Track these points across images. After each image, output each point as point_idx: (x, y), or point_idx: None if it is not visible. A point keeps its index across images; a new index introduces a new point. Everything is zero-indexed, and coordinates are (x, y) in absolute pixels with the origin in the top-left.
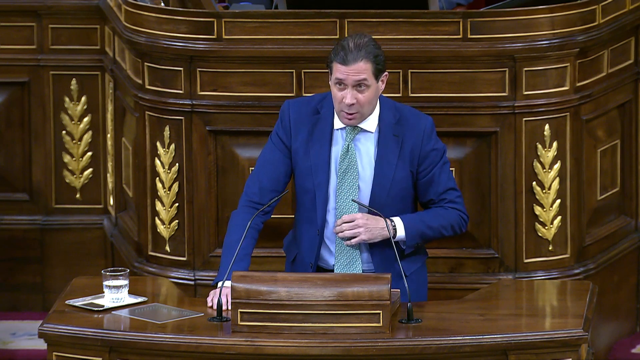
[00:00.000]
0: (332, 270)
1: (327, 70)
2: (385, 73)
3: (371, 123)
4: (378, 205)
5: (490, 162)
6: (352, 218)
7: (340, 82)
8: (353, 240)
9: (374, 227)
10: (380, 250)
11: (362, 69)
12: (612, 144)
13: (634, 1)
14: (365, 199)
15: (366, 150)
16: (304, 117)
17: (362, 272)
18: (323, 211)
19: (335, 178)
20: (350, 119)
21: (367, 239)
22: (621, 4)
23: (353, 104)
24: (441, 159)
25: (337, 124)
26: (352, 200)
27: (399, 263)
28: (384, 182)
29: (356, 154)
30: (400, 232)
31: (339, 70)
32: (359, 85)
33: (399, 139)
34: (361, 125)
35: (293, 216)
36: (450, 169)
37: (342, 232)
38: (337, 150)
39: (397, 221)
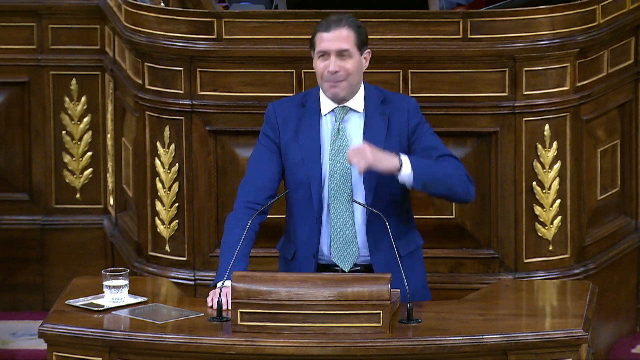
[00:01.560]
0: (330, 260)
1: None
2: (368, 50)
3: (358, 102)
4: (369, 185)
5: (490, 162)
6: (358, 149)
7: (323, 54)
8: (361, 164)
9: (379, 155)
10: (376, 235)
11: (344, 35)
12: (612, 144)
13: (634, 1)
14: (357, 179)
15: (355, 131)
16: (289, 112)
17: (358, 258)
18: (319, 200)
19: (328, 162)
20: (334, 87)
21: (372, 159)
22: (621, 4)
23: (337, 71)
24: (429, 130)
25: (325, 109)
26: (352, 200)
27: (403, 240)
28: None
29: (347, 135)
30: (407, 169)
31: (321, 40)
32: (341, 54)
33: (385, 117)
34: (349, 105)
35: None
36: None
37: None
38: (327, 136)
39: (404, 156)
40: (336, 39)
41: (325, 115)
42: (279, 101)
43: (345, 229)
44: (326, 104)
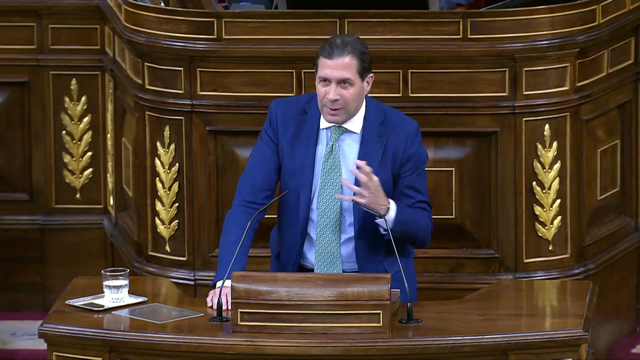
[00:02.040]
0: (313, 269)
1: None
2: (371, 74)
3: (356, 124)
4: (359, 206)
5: (490, 162)
6: (371, 180)
7: (324, 79)
8: (354, 198)
9: (377, 198)
10: (365, 249)
11: (347, 64)
12: (612, 144)
13: (634, 1)
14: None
15: (350, 151)
16: (291, 116)
17: (343, 271)
18: (306, 211)
19: (318, 179)
20: (333, 115)
21: (365, 202)
22: (621, 4)
23: (337, 100)
24: (419, 168)
25: (323, 123)
26: (352, 200)
27: (392, 258)
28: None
29: (339, 154)
30: (391, 214)
31: (324, 66)
32: (343, 82)
33: (382, 140)
34: (346, 126)
35: None
36: (450, 169)
37: (361, 182)
38: (322, 150)
39: (392, 204)
40: (338, 67)
41: (322, 129)
42: (282, 100)
43: (330, 247)
44: (325, 120)
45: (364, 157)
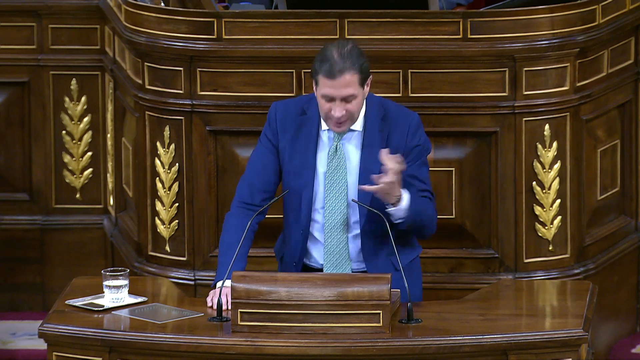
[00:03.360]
0: (321, 269)
1: None
2: (370, 77)
3: (358, 122)
4: (365, 201)
5: (490, 162)
6: (400, 166)
7: (327, 97)
8: (373, 187)
9: (393, 189)
10: (371, 245)
11: (348, 81)
12: (612, 144)
13: (634, 1)
14: (353, 194)
15: (353, 149)
16: (290, 117)
17: (352, 271)
18: (308, 210)
19: (323, 178)
20: (339, 127)
21: (382, 192)
22: (621, 4)
23: (342, 115)
24: (422, 156)
25: (324, 124)
26: (352, 200)
27: (397, 255)
28: (369, 179)
29: (344, 154)
30: (404, 204)
31: (325, 85)
32: (346, 99)
33: (384, 134)
34: None
35: None
36: (450, 169)
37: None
38: (323, 150)
39: (404, 194)
40: (341, 86)
41: (324, 130)
42: (282, 102)
43: (338, 245)
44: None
45: (367, 154)
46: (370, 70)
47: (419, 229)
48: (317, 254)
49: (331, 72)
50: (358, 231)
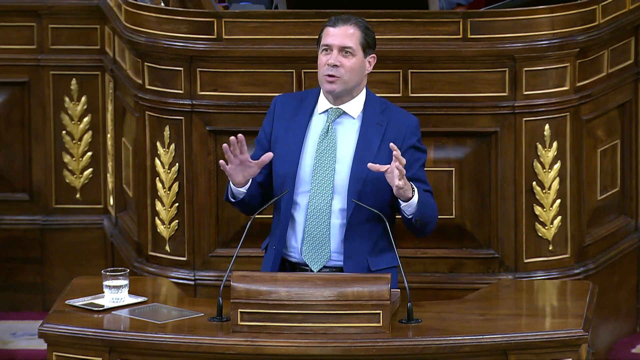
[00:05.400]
0: (299, 264)
1: None
2: (373, 55)
3: (355, 108)
4: (354, 192)
5: (490, 162)
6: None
7: (327, 48)
8: (400, 182)
9: (408, 185)
10: (353, 238)
11: (350, 33)
12: (612, 144)
13: (634, 1)
14: (342, 182)
15: (346, 135)
16: (288, 106)
17: (329, 261)
18: (289, 194)
19: (312, 161)
20: (330, 82)
21: (401, 185)
22: (621, 4)
23: (336, 66)
24: (420, 159)
25: (321, 107)
26: (352, 200)
27: (376, 257)
28: (362, 168)
29: (336, 136)
30: (415, 198)
31: (327, 34)
32: (344, 50)
33: (382, 128)
34: (343, 107)
35: None
36: (450, 169)
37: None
38: (315, 133)
39: (415, 189)
40: (341, 35)
41: (319, 114)
42: (284, 95)
43: (319, 229)
44: (322, 104)
45: (363, 143)
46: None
47: (424, 224)
48: (297, 239)
49: (335, 21)
50: (344, 221)
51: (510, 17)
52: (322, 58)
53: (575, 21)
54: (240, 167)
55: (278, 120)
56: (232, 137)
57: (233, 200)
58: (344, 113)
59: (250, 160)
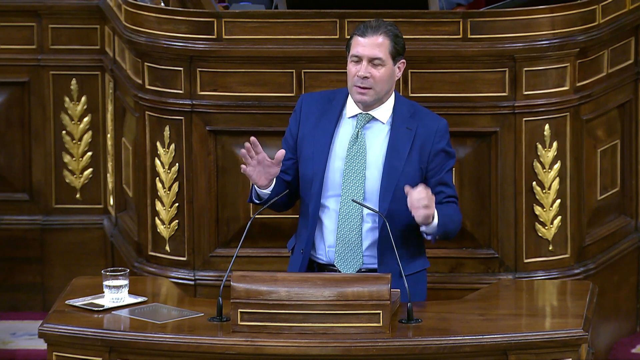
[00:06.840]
0: (327, 265)
1: (327, 70)
2: (403, 60)
3: (384, 113)
4: (386, 197)
5: (490, 162)
6: (426, 193)
7: (356, 58)
8: (427, 211)
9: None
10: (385, 242)
11: (379, 43)
12: (612, 144)
13: (634, 1)
14: (373, 188)
15: (376, 140)
16: (315, 105)
17: (362, 266)
18: (318, 196)
19: (342, 165)
20: (362, 93)
21: (429, 213)
22: (621, 4)
23: (366, 77)
24: (449, 163)
25: (349, 112)
26: (352, 200)
27: (399, 263)
28: (393, 174)
29: (365, 142)
30: (435, 222)
31: (356, 44)
32: (374, 61)
33: (411, 132)
34: (373, 113)
35: (293, 216)
36: None
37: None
38: (344, 137)
39: (435, 213)
40: (371, 45)
41: (348, 118)
42: (310, 94)
43: (351, 236)
44: (351, 108)
45: (393, 149)
46: (403, 56)
47: (448, 235)
48: (325, 243)
49: (364, 30)
50: (375, 225)
51: (510, 17)
52: (352, 68)
53: (575, 21)
54: (260, 168)
55: (304, 120)
56: (247, 143)
57: (258, 201)
58: (373, 118)
59: (268, 158)
